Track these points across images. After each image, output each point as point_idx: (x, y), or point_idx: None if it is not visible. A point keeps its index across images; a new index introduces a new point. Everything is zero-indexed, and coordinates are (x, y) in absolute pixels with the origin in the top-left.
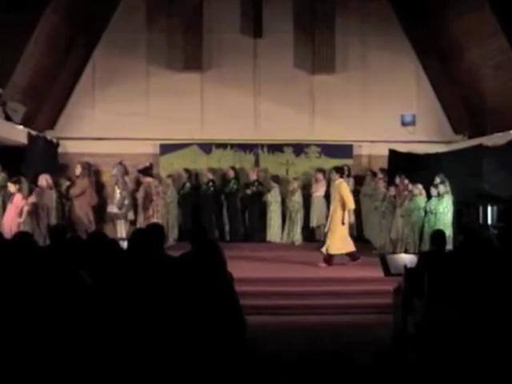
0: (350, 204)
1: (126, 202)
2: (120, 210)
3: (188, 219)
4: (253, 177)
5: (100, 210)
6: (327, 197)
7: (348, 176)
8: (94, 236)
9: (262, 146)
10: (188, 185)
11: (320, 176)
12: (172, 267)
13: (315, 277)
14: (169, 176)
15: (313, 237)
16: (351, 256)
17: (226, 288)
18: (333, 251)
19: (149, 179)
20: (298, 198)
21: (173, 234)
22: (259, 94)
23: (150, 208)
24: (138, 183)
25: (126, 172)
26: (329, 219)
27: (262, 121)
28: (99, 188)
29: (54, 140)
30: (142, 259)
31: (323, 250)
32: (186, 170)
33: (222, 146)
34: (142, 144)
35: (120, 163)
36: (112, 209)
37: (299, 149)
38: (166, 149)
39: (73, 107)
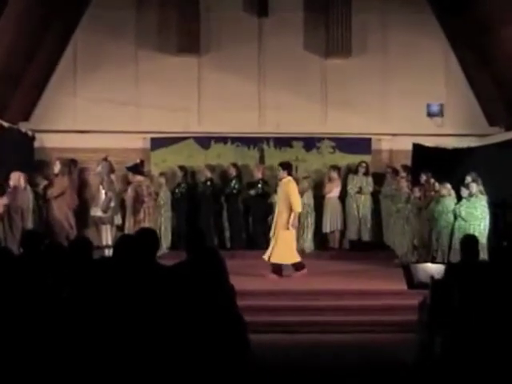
0: (297, 206)
1: (113, 204)
2: (105, 213)
3: (183, 223)
4: (257, 175)
5: (82, 213)
6: (342, 198)
7: (366, 174)
8: (75, 243)
9: (268, 140)
10: (183, 184)
11: (334, 174)
12: (165, 279)
13: (328, 289)
14: (161, 174)
15: (326, 244)
16: (296, 266)
17: (227, 303)
18: (275, 259)
19: (139, 178)
20: (308, 199)
21: (166, 241)
22: (264, 80)
23: (141, 211)
24: (126, 183)
25: (112, 170)
26: (273, 223)
27: (267, 111)
28: (81, 188)
29: (30, 133)
30: (131, 270)
31: (265, 257)
32: (181, 168)
33: (222, 140)
34: (131, 138)
35: (105, 159)
36: (96, 212)
37: (310, 143)
38: (158, 143)
39: (51, 95)
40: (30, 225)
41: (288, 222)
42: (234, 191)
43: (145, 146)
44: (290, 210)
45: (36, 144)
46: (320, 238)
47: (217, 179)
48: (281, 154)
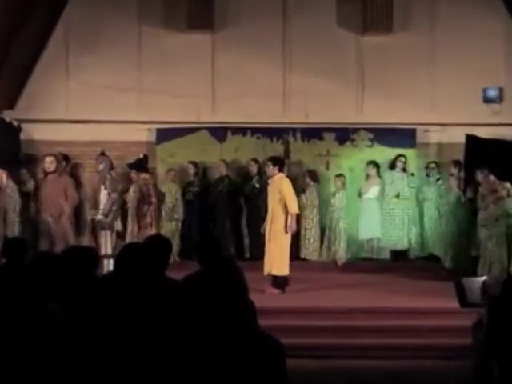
0: (294, 207)
1: (115, 206)
2: (106, 217)
3: (195, 228)
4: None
5: (74, 216)
6: (382, 200)
7: (404, 170)
8: (69, 252)
9: (294, 131)
10: (195, 183)
11: (372, 172)
12: (173, 294)
13: (365, 307)
14: (169, 171)
15: (362, 253)
16: (279, 281)
17: (247, 322)
18: (278, 271)
19: (145, 176)
20: (341, 201)
21: (174, 249)
22: (290, 62)
23: (148, 214)
24: (127, 181)
25: (111, 166)
26: (267, 227)
27: (293, 98)
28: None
29: (15, 123)
30: (136, 286)
31: (267, 271)
32: (193, 164)
33: (241, 131)
34: (133, 129)
35: (103, 154)
36: (94, 215)
37: (344, 135)
38: (165, 135)
39: (39, 80)
40: (15, 230)
41: (286, 226)
42: (255, 191)
43: (149, 139)
44: (286, 211)
45: (22, 136)
46: (355, 247)
47: (234, 177)
48: (309, 147)
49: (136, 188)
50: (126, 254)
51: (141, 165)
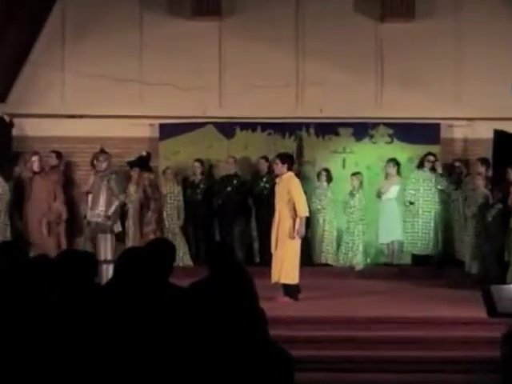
0: (303, 209)
1: (116, 208)
2: (109, 219)
3: (201, 232)
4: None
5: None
6: (403, 200)
7: (433, 170)
8: (65, 257)
9: (308, 126)
10: (202, 183)
11: (392, 170)
12: (177, 303)
13: (385, 316)
14: (166, 170)
15: (382, 258)
16: (290, 289)
17: (257, 332)
18: (288, 279)
19: (149, 175)
20: (360, 201)
21: (178, 254)
22: (304, 52)
23: (152, 221)
24: (127, 181)
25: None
26: (273, 231)
27: (307, 90)
28: (67, 188)
29: (6, 118)
30: (136, 292)
31: (275, 279)
32: (199, 162)
33: (250, 126)
34: (134, 124)
35: (103, 151)
36: (93, 217)
37: (362, 130)
38: (169, 131)
39: (32, 71)
40: (7, 234)
41: (293, 230)
42: (266, 191)
43: (152, 135)
44: (295, 213)
45: (14, 132)
46: (374, 251)
47: (243, 176)
48: (324, 143)
49: (138, 189)
50: (126, 260)
51: (144, 163)
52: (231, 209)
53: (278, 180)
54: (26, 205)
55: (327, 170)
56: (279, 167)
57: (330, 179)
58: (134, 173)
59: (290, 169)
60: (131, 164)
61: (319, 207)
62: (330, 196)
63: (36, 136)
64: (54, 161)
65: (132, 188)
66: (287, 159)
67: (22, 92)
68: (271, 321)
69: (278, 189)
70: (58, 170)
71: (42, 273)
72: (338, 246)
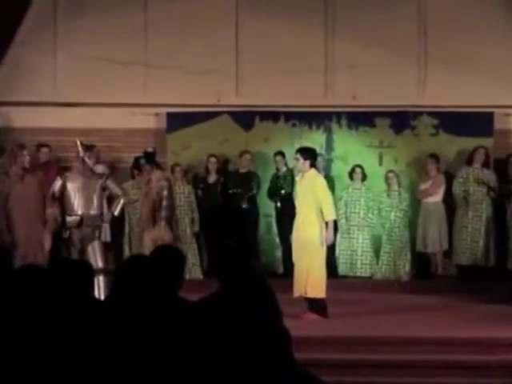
0: (331, 212)
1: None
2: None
3: (215, 238)
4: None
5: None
6: (449, 202)
7: (485, 166)
8: (58, 267)
9: (339, 115)
10: (218, 182)
11: (434, 167)
12: (187, 320)
13: (426, 337)
14: (174, 166)
15: (426, 269)
16: (316, 304)
17: (280, 355)
18: (314, 293)
19: (163, 175)
20: (401, 203)
21: (192, 266)
22: (334, 30)
23: (166, 231)
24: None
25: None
26: (295, 237)
27: (338, 75)
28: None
29: None
30: (140, 308)
31: (298, 293)
32: (215, 158)
33: (272, 116)
34: (137, 113)
35: (90, 149)
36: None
37: (402, 121)
38: (178, 121)
39: (19, 53)
40: None
41: (321, 236)
42: (288, 191)
43: (158, 126)
44: (321, 217)
45: (0, 122)
46: (417, 262)
47: (261, 174)
48: (357, 136)
49: (149, 191)
50: (128, 269)
51: (153, 159)
52: (250, 212)
53: (298, 179)
54: (12, 206)
55: (361, 167)
56: (300, 164)
57: (364, 177)
58: (144, 171)
59: (313, 165)
60: (148, 159)
61: (351, 210)
62: (365, 197)
63: (23, 127)
64: (45, 156)
65: (141, 189)
66: (309, 154)
67: (7, 77)
68: (297, 341)
69: (299, 189)
70: (54, 166)
71: (32, 285)
72: (378, 254)
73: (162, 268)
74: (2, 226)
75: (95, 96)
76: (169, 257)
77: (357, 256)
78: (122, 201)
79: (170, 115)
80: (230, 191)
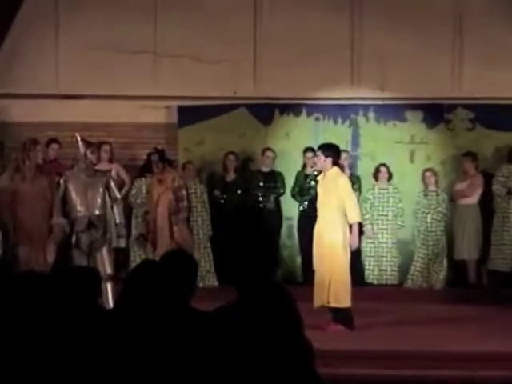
0: (355, 214)
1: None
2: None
3: (232, 242)
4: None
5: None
6: (485, 205)
7: None
8: (61, 274)
9: (366, 109)
10: (236, 181)
11: (470, 166)
12: (200, 331)
13: (463, 352)
14: (187, 164)
15: (461, 277)
16: (341, 314)
17: (302, 370)
18: (338, 302)
19: (179, 173)
20: (438, 204)
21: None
22: (361, 15)
23: (185, 234)
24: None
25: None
26: (316, 241)
27: (365, 64)
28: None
29: None
30: (150, 317)
31: (319, 302)
32: (233, 155)
33: (293, 109)
34: (146, 106)
35: (86, 142)
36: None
37: (435, 114)
38: (190, 115)
39: (19, 41)
40: None
41: (344, 240)
42: (312, 192)
43: (169, 120)
44: (344, 219)
45: None
46: (453, 269)
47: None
48: (387, 131)
49: (165, 191)
50: (136, 277)
51: (166, 157)
52: (270, 215)
53: (320, 178)
54: (18, 206)
55: (386, 166)
56: (321, 161)
57: (390, 177)
58: (157, 170)
59: (335, 163)
60: (162, 157)
61: (378, 212)
62: (393, 198)
63: (22, 122)
64: (54, 153)
65: (154, 190)
66: (331, 151)
67: (6, 67)
68: (320, 355)
69: (321, 188)
70: (62, 166)
71: (33, 293)
72: (407, 261)
73: (172, 275)
74: (8, 225)
75: (100, 88)
76: (179, 263)
77: (386, 262)
78: (120, 206)
79: (181, 109)
80: (217, 194)
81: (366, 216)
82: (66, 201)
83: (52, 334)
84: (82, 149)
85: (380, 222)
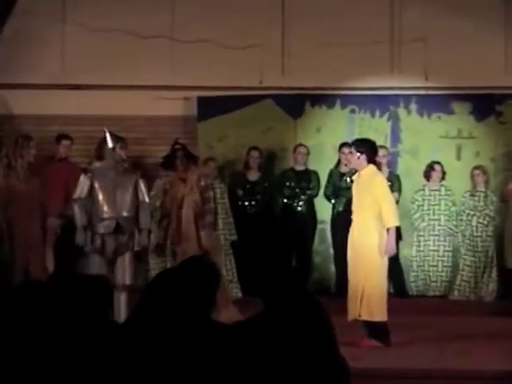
0: (393, 218)
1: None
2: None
3: (259, 249)
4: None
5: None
6: None
7: None
8: (69, 283)
9: (408, 100)
10: (261, 181)
11: None
12: (221, 346)
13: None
14: (207, 161)
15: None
16: (377, 329)
17: None
18: (371, 315)
19: (206, 171)
20: (490, 205)
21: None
22: None
23: (207, 229)
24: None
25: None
26: (350, 247)
27: (405, 51)
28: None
29: None
30: (167, 332)
31: (353, 315)
32: (257, 151)
33: (325, 100)
34: (163, 97)
35: (117, 136)
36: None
37: (485, 106)
38: (211, 107)
39: (20, 26)
40: None
41: (380, 245)
42: (348, 193)
43: (187, 113)
44: (381, 223)
45: None
46: (504, 279)
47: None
48: (430, 124)
49: (191, 191)
50: (154, 288)
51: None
52: (302, 219)
53: (354, 177)
54: (13, 207)
55: (440, 164)
56: (355, 159)
57: (443, 176)
58: (181, 167)
59: (371, 161)
60: (187, 154)
61: (429, 216)
62: (445, 200)
63: (25, 114)
64: (65, 150)
65: (180, 189)
66: (366, 147)
67: (6, 54)
68: (355, 373)
69: (355, 189)
70: (74, 165)
71: (37, 304)
72: (455, 269)
73: (191, 285)
74: (2, 225)
75: (111, 77)
76: (201, 270)
77: (437, 272)
78: (150, 209)
79: (201, 100)
80: (240, 195)
81: (416, 216)
82: (88, 200)
83: (56, 348)
84: (110, 143)
85: (431, 227)
